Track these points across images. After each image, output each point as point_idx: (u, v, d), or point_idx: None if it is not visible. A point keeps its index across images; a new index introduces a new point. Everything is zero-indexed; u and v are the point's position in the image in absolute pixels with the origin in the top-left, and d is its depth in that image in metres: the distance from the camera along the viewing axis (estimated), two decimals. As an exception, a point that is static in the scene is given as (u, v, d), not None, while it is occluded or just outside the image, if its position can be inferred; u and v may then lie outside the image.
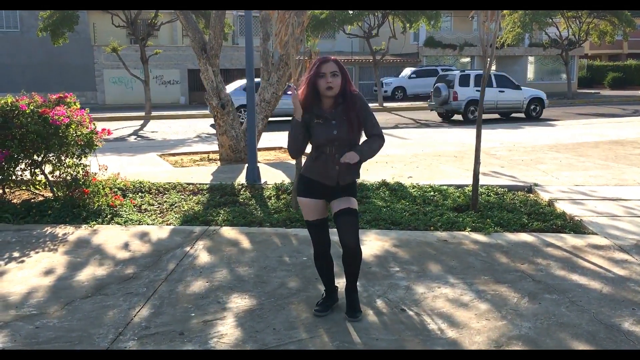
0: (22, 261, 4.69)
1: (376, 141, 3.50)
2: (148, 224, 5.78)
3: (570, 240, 5.12)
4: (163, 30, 30.84)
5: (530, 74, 41.24)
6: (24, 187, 7.02)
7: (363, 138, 3.53)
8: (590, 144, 11.54)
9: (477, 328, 3.43)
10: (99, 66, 31.23)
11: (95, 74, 31.35)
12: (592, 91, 39.74)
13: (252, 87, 7.88)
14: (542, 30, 30.49)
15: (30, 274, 4.41)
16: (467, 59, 38.76)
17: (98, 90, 31.40)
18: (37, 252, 4.90)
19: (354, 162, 3.37)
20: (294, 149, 3.50)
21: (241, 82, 18.78)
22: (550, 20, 29.01)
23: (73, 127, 6.47)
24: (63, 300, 3.89)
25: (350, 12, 25.05)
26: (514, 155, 10.13)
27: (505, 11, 28.37)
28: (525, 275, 4.26)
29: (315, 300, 3.84)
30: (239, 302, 3.84)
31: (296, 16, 6.29)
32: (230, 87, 17.64)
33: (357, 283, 3.66)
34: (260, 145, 10.79)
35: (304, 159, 3.61)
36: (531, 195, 7.02)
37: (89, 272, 4.43)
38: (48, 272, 4.44)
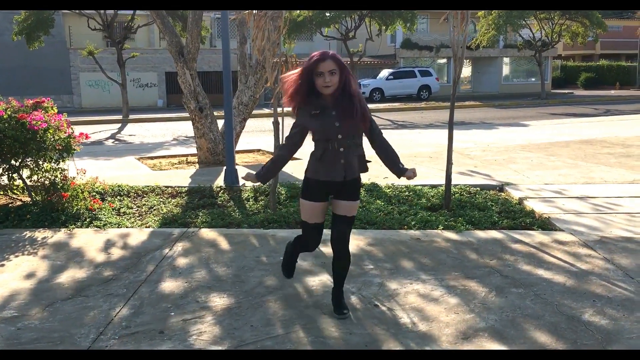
0: (2, 265, 4.75)
1: (388, 143, 3.59)
2: (127, 227, 5.85)
3: (538, 236, 5.32)
4: (140, 33, 30.70)
5: (506, 74, 41.89)
6: (1, 192, 7.03)
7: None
8: (561, 143, 11.85)
9: (447, 321, 3.59)
10: (75, 69, 31.00)
11: (72, 77, 31.11)
12: (566, 91, 40.50)
13: (228, 91, 7.98)
14: (515, 32, 31.01)
15: (10, 277, 4.47)
16: (444, 60, 39.27)
17: (74, 94, 31.15)
18: (16, 256, 4.96)
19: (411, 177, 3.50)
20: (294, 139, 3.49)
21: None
22: (524, 22, 29.54)
23: (51, 131, 6.50)
24: (44, 303, 3.97)
25: (327, 14, 25.25)
26: (487, 155, 10.37)
27: (480, 13, 28.86)
28: (493, 271, 4.44)
29: (292, 298, 3.98)
30: (218, 301, 3.95)
31: (272, 21, 6.41)
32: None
33: (330, 281, 3.81)
34: (238, 147, 10.88)
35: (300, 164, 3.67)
36: (502, 194, 7.23)
37: (69, 275, 4.50)
38: (28, 276, 4.50)
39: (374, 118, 3.55)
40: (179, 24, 20.91)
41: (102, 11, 23.17)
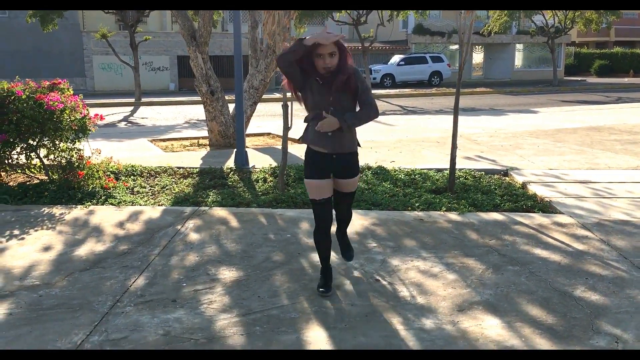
0: (23, 238, 4.98)
1: (366, 109, 3.49)
2: (141, 205, 6.07)
3: (538, 219, 5.48)
4: (152, 16, 30.87)
5: (518, 61, 41.66)
6: (19, 171, 7.27)
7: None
8: (569, 130, 11.92)
9: (444, 295, 3.78)
10: (88, 52, 31.23)
11: (85, 60, 31.35)
12: (579, 78, 40.23)
13: (240, 74, 8.15)
14: (528, 18, 30.82)
15: (30, 249, 4.70)
16: (456, 46, 39.01)
17: (87, 77, 31.42)
18: (36, 230, 5.19)
19: (332, 129, 3.41)
20: (280, 61, 3.42)
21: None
22: (537, 8, 29.27)
23: (67, 112, 6.72)
24: (63, 273, 4.20)
25: (339, -1, 25.18)
26: (494, 141, 10.48)
27: (492, -1, 28.62)
28: (492, 250, 4.61)
29: (297, 272, 4.18)
30: (227, 274, 4.16)
31: (282, 6, 6.55)
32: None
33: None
34: (249, 131, 11.07)
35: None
36: (506, 178, 7.37)
37: (87, 248, 4.73)
38: (47, 248, 4.73)
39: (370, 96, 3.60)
40: (191, 7, 21.01)
41: (115, -6, 23.31)
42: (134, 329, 3.35)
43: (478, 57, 41.27)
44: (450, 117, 14.32)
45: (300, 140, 3.69)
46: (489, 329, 3.31)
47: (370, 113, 3.51)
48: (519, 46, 41.04)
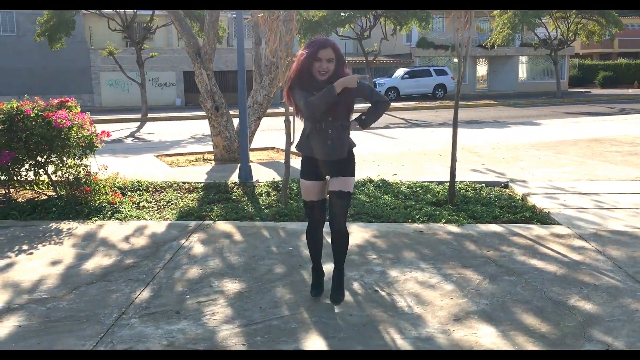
0: (31, 253, 5.11)
1: (380, 105, 3.75)
2: (146, 220, 6.20)
3: (536, 230, 5.57)
4: (159, 33, 31.27)
5: (522, 73, 41.82)
6: (27, 187, 7.43)
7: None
8: (570, 141, 12.01)
9: (441, 305, 3.87)
10: (96, 69, 31.65)
11: (92, 77, 31.77)
12: (583, 90, 40.32)
13: (243, 90, 8.30)
14: (531, 30, 31.01)
15: (39, 264, 4.83)
16: (460, 59, 39.23)
17: (94, 93, 31.81)
18: (44, 245, 5.32)
19: (350, 85, 3.54)
20: (317, 111, 3.54)
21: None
22: (539, 20, 29.53)
23: (75, 129, 6.88)
24: (70, 286, 4.32)
25: (343, 14, 25.52)
26: (496, 153, 10.58)
27: (495, 12, 28.92)
28: (489, 261, 4.70)
29: (299, 284, 4.28)
30: (230, 286, 4.27)
31: (284, 23, 6.72)
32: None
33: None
34: (254, 145, 11.23)
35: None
36: (507, 190, 7.47)
37: (93, 262, 4.85)
38: (55, 262, 4.86)
39: (377, 91, 3.87)
40: (197, 24, 21.35)
41: (122, 12, 23.69)
42: (139, 339, 3.46)
43: (482, 69, 41.45)
44: (453, 130, 14.47)
45: (297, 149, 3.82)
46: (483, 337, 3.40)
47: (385, 106, 3.81)
48: (523, 58, 41.22)
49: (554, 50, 30.67)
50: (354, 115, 3.89)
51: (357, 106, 3.82)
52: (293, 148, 6.96)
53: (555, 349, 3.25)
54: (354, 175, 3.80)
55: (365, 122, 3.81)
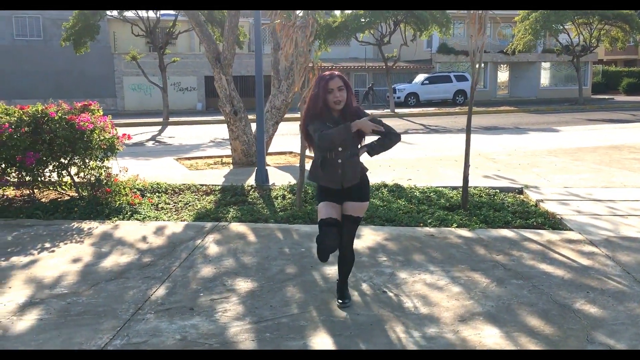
0: (53, 251, 5.30)
1: (391, 137, 3.82)
2: (164, 220, 6.37)
3: (547, 235, 5.61)
4: (181, 38, 31.68)
5: (544, 79, 41.47)
6: (51, 188, 7.65)
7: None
8: (589, 148, 11.96)
9: (447, 306, 3.95)
10: (119, 73, 32.17)
11: (115, 81, 32.29)
12: (607, 97, 39.82)
13: (260, 94, 8.46)
14: (553, 37, 30.80)
15: (60, 261, 5.01)
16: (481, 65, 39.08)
17: (118, 97, 32.32)
18: (65, 244, 5.51)
19: (367, 130, 3.64)
20: (332, 145, 3.67)
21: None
22: (561, 27, 29.32)
23: (97, 132, 7.09)
24: (90, 282, 4.48)
25: (363, 20, 25.61)
26: (512, 160, 10.59)
27: (516, 18, 28.80)
28: (498, 265, 4.76)
29: (309, 283, 4.39)
30: (242, 285, 4.39)
31: (300, 31, 6.85)
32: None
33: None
34: (271, 149, 11.39)
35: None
36: (521, 196, 7.49)
37: (112, 260, 5.02)
38: (76, 260, 5.04)
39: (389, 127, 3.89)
40: (218, 30, 21.64)
41: (145, 17, 24.11)
42: (154, 334, 3.60)
43: (503, 75, 41.21)
44: (473, 136, 14.47)
45: (309, 178, 3.91)
46: (487, 338, 3.48)
47: (395, 138, 3.85)
48: (545, 64, 40.88)
49: (576, 57, 30.41)
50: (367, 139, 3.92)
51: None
52: (308, 152, 7.11)
53: (555, 349, 3.32)
54: (368, 200, 3.89)
55: (374, 150, 3.85)
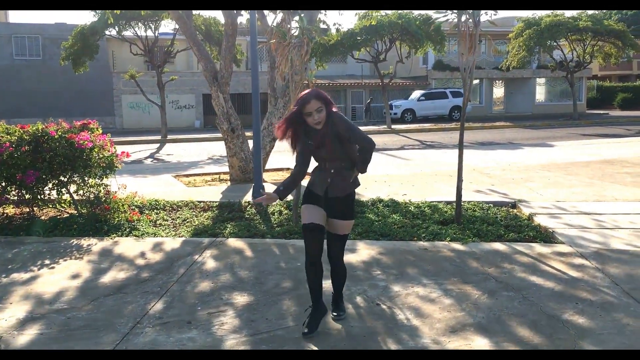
0: (53, 267, 5.39)
1: (365, 149, 3.75)
2: (162, 236, 6.46)
3: (538, 248, 5.71)
4: (179, 56, 31.92)
5: (540, 95, 41.85)
6: (50, 206, 7.75)
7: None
8: (582, 163, 12.10)
9: (439, 318, 4.04)
10: (118, 92, 32.42)
11: (114, 100, 32.53)
12: (602, 112, 40.15)
13: (257, 112, 8.60)
14: (547, 53, 31.14)
15: (60, 277, 5.09)
16: (476, 81, 39.45)
17: (116, 115, 32.54)
18: (65, 260, 5.60)
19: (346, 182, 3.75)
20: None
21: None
22: (555, 43, 29.67)
23: (96, 150, 7.20)
24: (89, 298, 4.57)
25: (359, 38, 25.93)
26: (506, 174, 10.72)
27: (510, 35, 29.16)
28: (490, 277, 4.86)
29: (305, 297, 4.46)
30: (239, 299, 4.48)
31: (296, 50, 7.01)
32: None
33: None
34: (269, 166, 11.51)
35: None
36: (514, 210, 7.61)
37: (111, 276, 5.10)
38: (75, 276, 5.12)
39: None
40: (215, 49, 21.88)
41: (143, 36, 24.36)
42: (152, 347, 3.68)
43: (499, 91, 41.57)
44: (467, 152, 14.62)
45: (307, 184, 3.99)
46: (476, 348, 3.56)
47: (370, 148, 3.76)
48: (540, 80, 41.29)
49: (570, 73, 30.73)
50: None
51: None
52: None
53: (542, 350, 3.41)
54: (353, 218, 3.90)
55: (360, 169, 3.84)
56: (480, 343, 3.63)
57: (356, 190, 3.95)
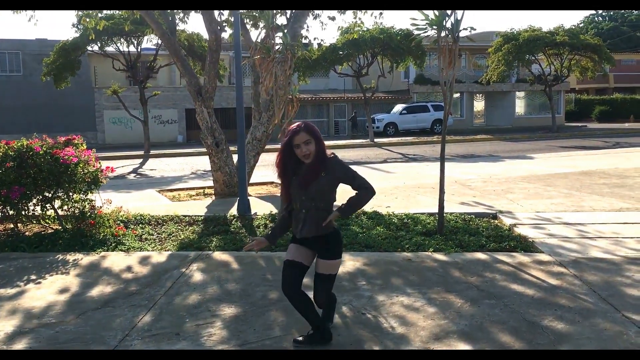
0: (39, 282, 5.40)
1: (363, 194, 3.69)
2: (148, 251, 6.49)
3: (519, 257, 5.85)
4: (162, 71, 31.95)
5: (519, 108, 42.48)
6: (34, 222, 7.74)
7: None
8: (561, 175, 12.34)
9: (423, 326, 4.14)
10: (99, 107, 32.30)
11: (96, 115, 32.39)
12: (580, 124, 40.88)
13: (242, 126, 8.69)
14: (526, 67, 31.72)
15: (47, 292, 5.11)
16: (457, 95, 39.98)
17: (98, 130, 32.39)
18: (51, 275, 5.61)
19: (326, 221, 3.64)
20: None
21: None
22: (533, 57, 30.26)
23: (81, 165, 7.23)
24: (77, 312, 4.59)
25: (340, 52, 26.22)
26: (487, 186, 10.91)
27: (489, 49, 29.68)
28: (472, 286, 4.97)
29: (291, 308, 4.46)
30: (226, 310, 4.54)
31: (279, 65, 7.13)
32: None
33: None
34: (253, 180, 11.58)
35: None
36: (495, 221, 7.76)
37: (98, 290, 5.13)
38: (62, 291, 5.14)
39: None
40: (198, 64, 21.96)
41: (126, 52, 24.37)
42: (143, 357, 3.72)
43: (479, 105, 42.14)
44: (449, 164, 14.83)
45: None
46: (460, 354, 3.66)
47: (368, 194, 3.72)
48: (520, 94, 41.95)
49: (548, 86, 31.32)
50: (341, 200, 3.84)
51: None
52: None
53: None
54: (337, 258, 3.78)
55: (345, 211, 3.73)
56: (464, 349, 3.73)
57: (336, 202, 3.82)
